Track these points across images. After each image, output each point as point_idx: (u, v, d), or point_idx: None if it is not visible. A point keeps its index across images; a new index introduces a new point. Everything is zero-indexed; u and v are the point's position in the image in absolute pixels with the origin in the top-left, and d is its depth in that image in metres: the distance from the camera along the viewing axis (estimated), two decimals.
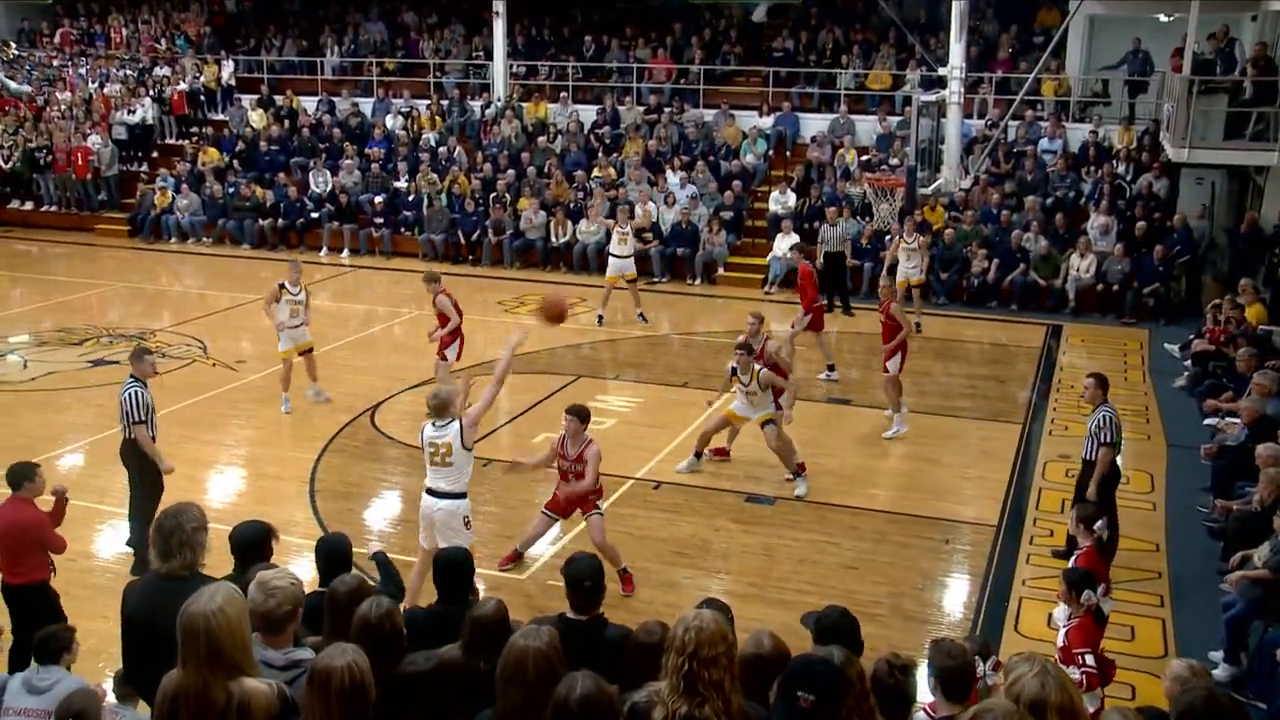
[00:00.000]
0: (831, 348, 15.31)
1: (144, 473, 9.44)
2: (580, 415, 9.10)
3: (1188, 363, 15.25)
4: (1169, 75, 19.97)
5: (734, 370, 11.25)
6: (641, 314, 17.71)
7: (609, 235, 18.99)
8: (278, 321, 13.24)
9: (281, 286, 13.29)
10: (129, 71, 28.39)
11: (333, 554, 5.85)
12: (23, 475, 7.59)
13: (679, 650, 3.87)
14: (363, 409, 13.49)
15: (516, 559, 9.62)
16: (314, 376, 13.71)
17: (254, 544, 5.56)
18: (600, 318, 17.53)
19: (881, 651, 4.54)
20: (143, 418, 9.30)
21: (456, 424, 8.29)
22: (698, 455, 11.73)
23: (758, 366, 11.21)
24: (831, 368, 14.99)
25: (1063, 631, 6.92)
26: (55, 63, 29.63)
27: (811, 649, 4.57)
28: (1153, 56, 21.56)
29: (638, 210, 21.24)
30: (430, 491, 8.47)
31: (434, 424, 8.39)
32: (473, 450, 8.37)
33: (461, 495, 8.41)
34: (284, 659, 4.52)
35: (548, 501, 9.47)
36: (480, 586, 7.90)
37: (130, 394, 9.28)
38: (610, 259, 18.08)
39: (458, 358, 13.54)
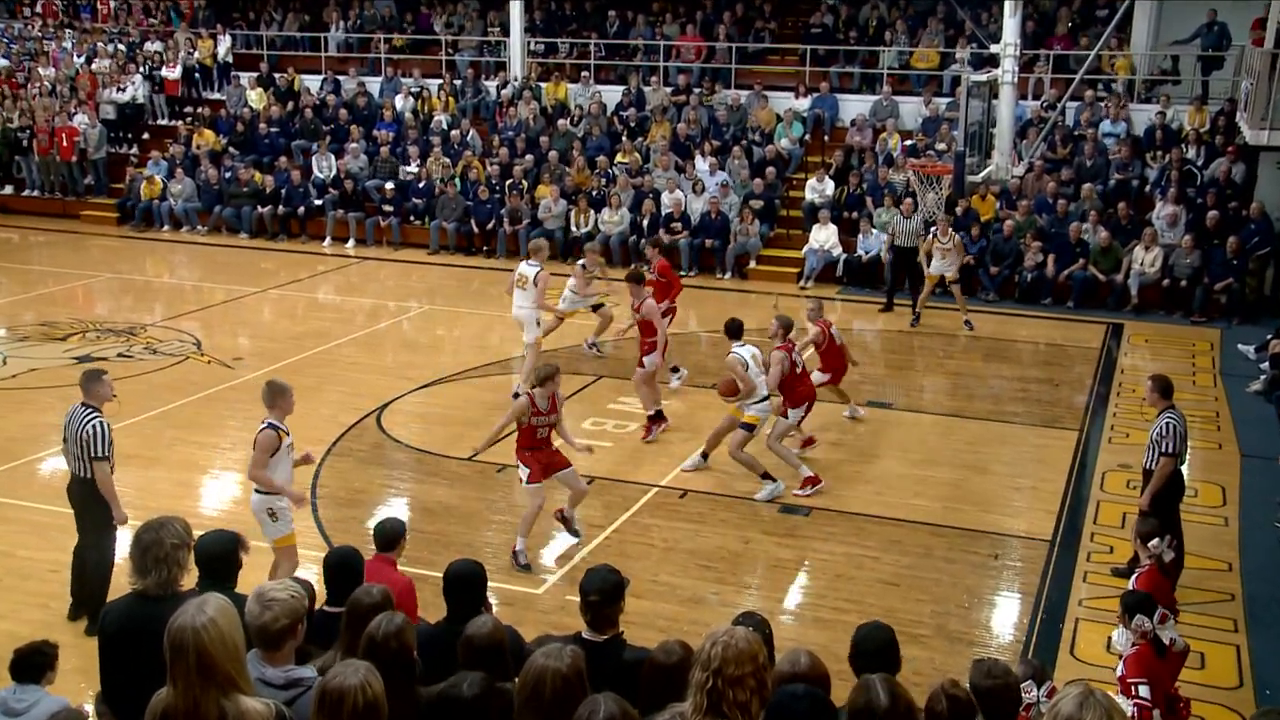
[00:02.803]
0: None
1: (97, 517, 8.64)
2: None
3: (1264, 365, 15.11)
4: (1248, 49, 19.77)
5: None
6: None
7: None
8: (275, 484, 8.43)
9: (275, 429, 8.41)
10: (118, 46, 28.61)
11: (343, 569, 5.83)
12: (398, 534, 7.08)
13: (704, 666, 3.89)
14: (369, 410, 13.55)
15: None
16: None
17: (219, 556, 5.46)
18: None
19: (926, 675, 4.53)
20: (108, 453, 8.46)
21: (541, 270, 13.67)
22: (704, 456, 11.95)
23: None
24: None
25: (1121, 660, 6.88)
26: (37, 35, 29.86)
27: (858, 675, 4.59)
28: (1230, 29, 21.35)
29: (666, 199, 21.23)
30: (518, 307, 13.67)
31: (528, 261, 13.74)
32: (540, 288, 13.56)
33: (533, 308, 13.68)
34: (284, 677, 4.53)
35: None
36: (493, 601, 7.91)
37: (95, 424, 8.41)
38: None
39: None
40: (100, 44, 28.75)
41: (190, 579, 5.24)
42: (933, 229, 17.39)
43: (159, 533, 4.99)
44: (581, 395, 14.34)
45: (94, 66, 27.66)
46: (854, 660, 4.80)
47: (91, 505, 8.61)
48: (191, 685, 3.90)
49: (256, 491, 8.49)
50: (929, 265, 17.45)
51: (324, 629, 5.31)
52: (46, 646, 6.06)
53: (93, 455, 8.41)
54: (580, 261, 15.97)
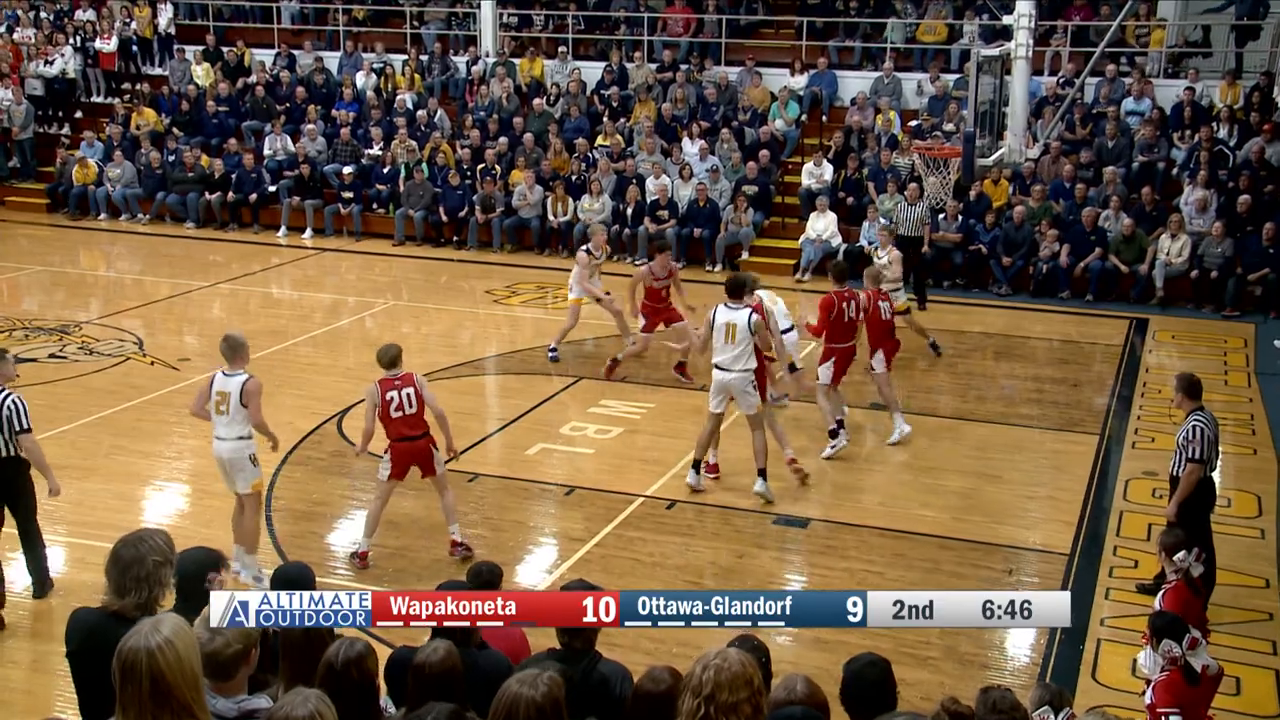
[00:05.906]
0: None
1: (25, 495, 9.27)
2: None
3: None
4: None
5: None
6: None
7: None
8: (268, 426, 10.14)
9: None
10: (45, 14, 28.39)
11: (292, 588, 5.80)
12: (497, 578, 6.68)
13: (695, 692, 3.91)
14: (328, 415, 13.51)
15: None
16: None
17: (200, 577, 5.33)
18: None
19: (935, 701, 4.54)
20: (30, 425, 9.05)
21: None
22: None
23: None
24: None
25: (1150, 686, 6.89)
26: None
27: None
28: None
29: (651, 185, 21.23)
30: None
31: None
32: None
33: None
34: (236, 709, 4.52)
35: None
36: None
37: (12, 401, 8.97)
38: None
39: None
40: (21, 10, 28.39)
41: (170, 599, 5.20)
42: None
43: (139, 549, 4.92)
44: (560, 398, 14.34)
45: (16, 36, 27.34)
46: (845, 696, 4.73)
47: (18, 491, 9.15)
48: (144, 713, 3.88)
49: (236, 439, 9.43)
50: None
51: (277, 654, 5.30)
52: None
53: (16, 429, 8.95)
54: (585, 246, 15.99)
